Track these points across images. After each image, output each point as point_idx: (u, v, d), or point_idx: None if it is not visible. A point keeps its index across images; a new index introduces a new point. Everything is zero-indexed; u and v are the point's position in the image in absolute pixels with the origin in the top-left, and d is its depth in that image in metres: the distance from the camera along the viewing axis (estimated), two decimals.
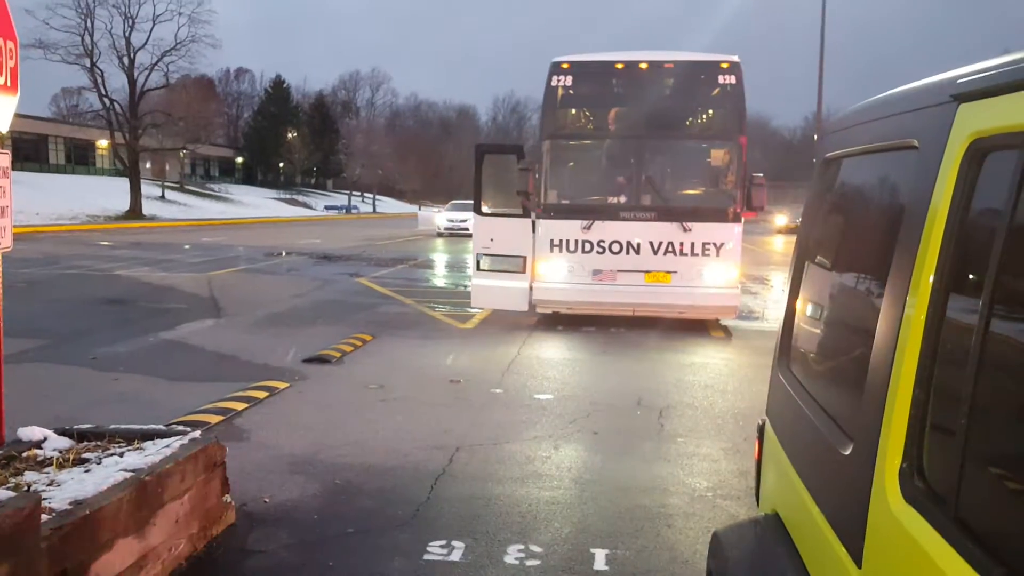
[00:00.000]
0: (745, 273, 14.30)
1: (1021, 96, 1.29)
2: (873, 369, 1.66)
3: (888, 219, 1.82)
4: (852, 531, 1.62)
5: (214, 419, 6.34)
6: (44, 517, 3.06)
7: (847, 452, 1.74)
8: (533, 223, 10.98)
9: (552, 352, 9.76)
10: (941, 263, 1.47)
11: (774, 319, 12.50)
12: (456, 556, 4.10)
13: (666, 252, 10.68)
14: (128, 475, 3.61)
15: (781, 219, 45.53)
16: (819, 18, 28.61)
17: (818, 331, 2.42)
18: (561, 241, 10.86)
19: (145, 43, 47.72)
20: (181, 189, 66.57)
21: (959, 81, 1.52)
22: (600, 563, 4.08)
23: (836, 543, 1.72)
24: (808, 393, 2.20)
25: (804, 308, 2.49)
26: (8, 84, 4.42)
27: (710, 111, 11.57)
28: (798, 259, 2.55)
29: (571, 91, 11.30)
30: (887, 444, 1.53)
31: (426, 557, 4.09)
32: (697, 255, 10.64)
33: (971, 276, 1.44)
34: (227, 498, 4.41)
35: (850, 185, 2.34)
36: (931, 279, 1.48)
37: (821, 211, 2.51)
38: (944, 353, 1.46)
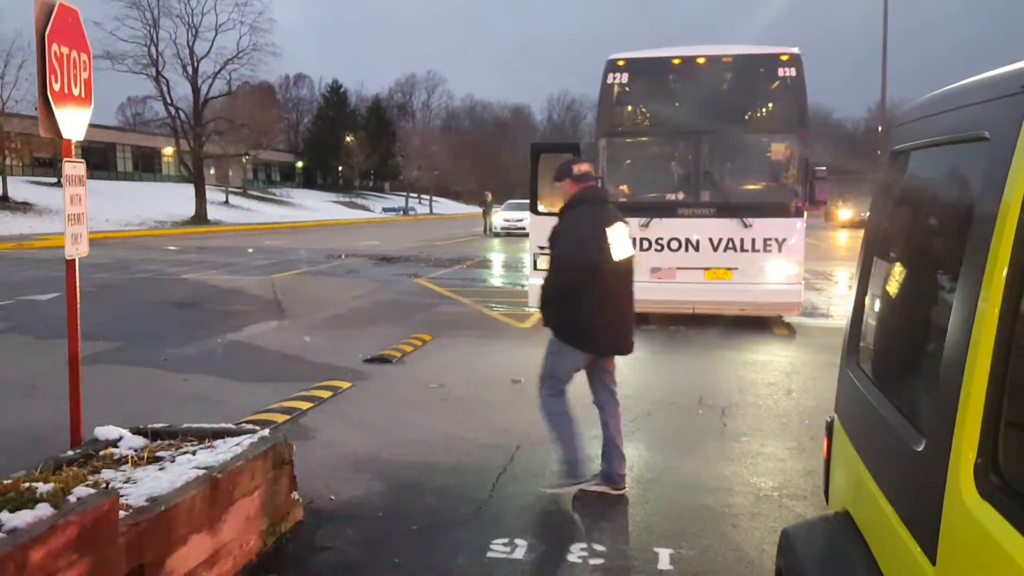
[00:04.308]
0: (808, 269, 14.04)
1: None
2: (946, 365, 1.64)
3: (960, 212, 1.79)
4: (926, 528, 1.60)
5: (280, 418, 6.49)
6: (122, 513, 3.16)
7: (920, 448, 1.71)
8: None
9: None
10: (1015, 256, 1.44)
11: (839, 316, 12.25)
12: (519, 554, 4.13)
13: (726, 249, 10.54)
14: (201, 473, 3.72)
15: (845, 213, 44.44)
16: (878, 4, 27.95)
17: (888, 327, 2.37)
18: None
19: (208, 52, 49.11)
20: (244, 194, 68.06)
21: None
22: (664, 562, 4.06)
23: (910, 540, 1.70)
24: (878, 390, 2.16)
25: (873, 304, 2.45)
26: (83, 95, 4.60)
27: (770, 105, 11.38)
28: (866, 254, 2.51)
29: (627, 88, 11.24)
30: (961, 440, 1.50)
31: (489, 555, 4.12)
32: (758, 251, 10.48)
33: None
34: (295, 495, 4.51)
35: (919, 178, 2.30)
36: (1004, 273, 1.45)
37: (890, 205, 2.47)
38: (1018, 347, 1.43)
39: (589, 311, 4.82)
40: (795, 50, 10.68)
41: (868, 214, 2.76)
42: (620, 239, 4.92)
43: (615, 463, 4.97)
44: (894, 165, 2.42)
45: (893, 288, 2.33)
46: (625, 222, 5.07)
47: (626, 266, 4.98)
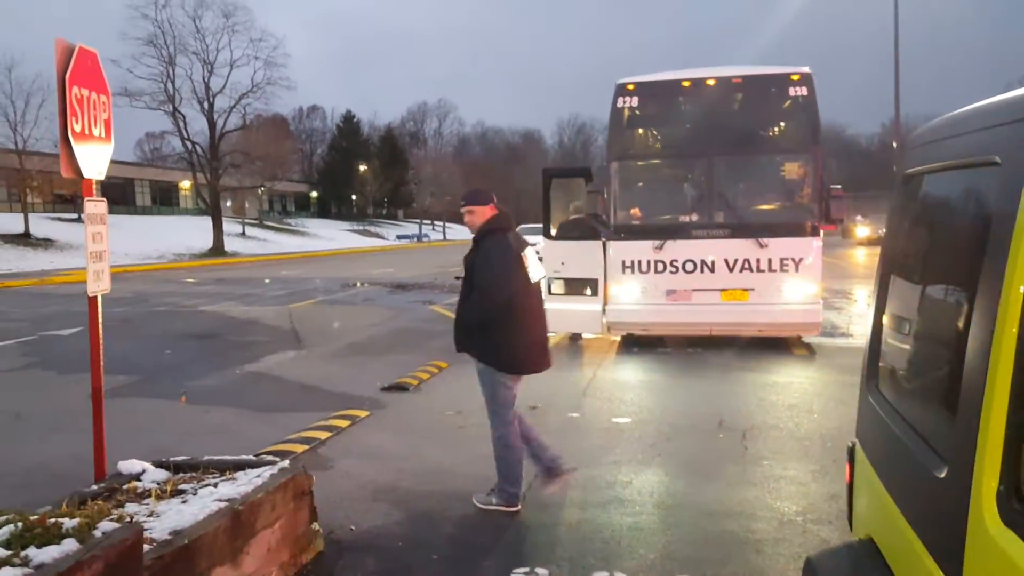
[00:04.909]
0: (827, 287, 13.97)
1: None
2: (966, 389, 1.63)
3: (973, 237, 1.79)
4: (950, 555, 1.59)
5: (299, 448, 6.50)
6: (146, 547, 3.18)
7: (942, 475, 1.70)
8: (604, 245, 10.96)
9: (628, 374, 9.70)
10: None
11: (860, 335, 12.17)
12: None
13: (742, 269, 10.52)
14: (223, 505, 3.74)
15: (863, 230, 44.18)
16: (888, 18, 27.95)
17: (906, 349, 2.37)
18: (633, 262, 10.81)
19: (223, 87, 49.84)
20: (260, 225, 68.66)
21: None
22: None
23: (934, 568, 1.68)
24: (899, 414, 2.16)
25: (891, 325, 2.45)
26: (103, 135, 4.69)
27: (782, 124, 11.39)
28: (883, 275, 2.51)
29: (637, 111, 11.30)
30: (983, 466, 1.50)
31: None
32: (775, 271, 10.45)
33: None
34: (315, 526, 4.52)
35: (933, 200, 2.30)
36: (1022, 299, 1.45)
37: (904, 228, 2.47)
38: None
39: (516, 334, 5.04)
40: (806, 69, 10.72)
41: (882, 232, 2.76)
42: (532, 262, 5.19)
43: (548, 453, 5.26)
44: (907, 188, 2.43)
45: (910, 312, 2.33)
46: (532, 246, 5.37)
47: (537, 288, 5.25)
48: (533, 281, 5.15)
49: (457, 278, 4.69)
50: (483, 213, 5.18)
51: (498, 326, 4.97)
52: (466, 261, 5.16)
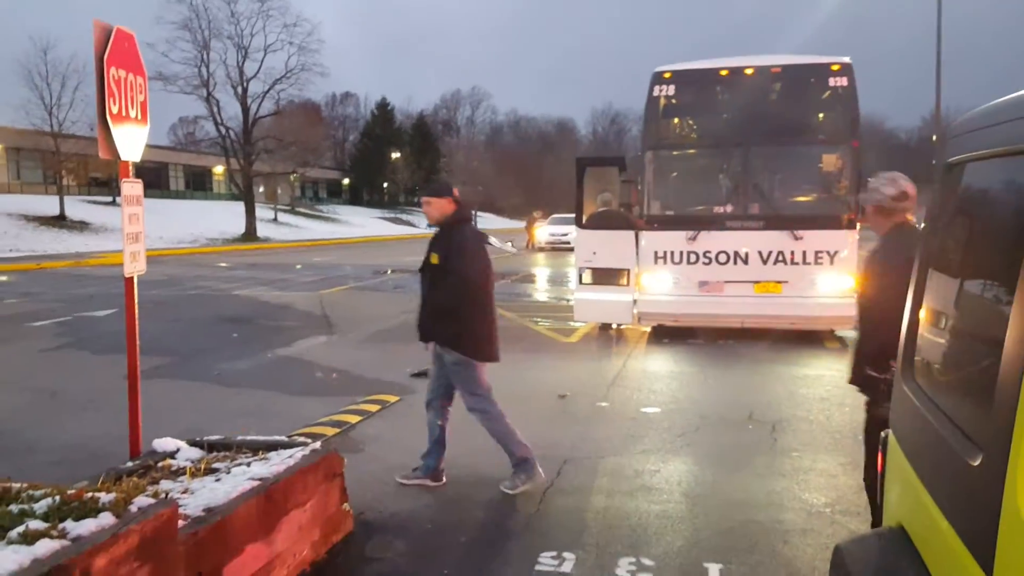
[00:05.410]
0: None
1: None
2: (1003, 377, 1.61)
3: (1016, 225, 1.76)
4: (982, 543, 1.58)
5: (330, 431, 6.58)
6: (180, 523, 3.24)
7: (976, 463, 1.69)
8: (636, 235, 10.91)
9: (658, 365, 9.67)
10: None
11: None
12: (567, 567, 4.12)
13: (776, 262, 10.42)
14: (256, 484, 3.79)
15: None
16: (931, 10, 27.43)
17: (944, 340, 2.34)
18: (666, 253, 10.75)
19: (257, 72, 50.10)
20: (292, 211, 69.14)
21: None
22: None
23: (965, 555, 1.67)
24: (934, 404, 2.13)
25: (928, 317, 2.42)
26: (139, 117, 4.75)
27: (820, 115, 11.24)
28: (921, 267, 2.47)
29: (674, 100, 11.21)
30: (1018, 454, 1.48)
31: (538, 567, 4.12)
32: (809, 264, 10.34)
33: None
34: (346, 507, 4.57)
35: (975, 190, 2.27)
36: None
37: (944, 217, 2.44)
38: None
39: (482, 322, 5.25)
40: (846, 59, 10.56)
41: (922, 226, 2.73)
42: (489, 254, 5.44)
43: (437, 459, 5.39)
44: (948, 177, 2.39)
45: (949, 301, 2.30)
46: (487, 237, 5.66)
47: (493, 279, 5.49)
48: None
49: (420, 270, 4.84)
50: (441, 206, 5.34)
51: (466, 314, 5.14)
52: (431, 251, 5.32)
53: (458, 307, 5.14)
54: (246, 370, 9.34)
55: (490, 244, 5.44)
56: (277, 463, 4.15)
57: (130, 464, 4.22)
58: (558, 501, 5.08)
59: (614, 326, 11.94)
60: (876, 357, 3.90)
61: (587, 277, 11.03)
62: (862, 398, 4.29)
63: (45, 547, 2.57)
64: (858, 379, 4.16)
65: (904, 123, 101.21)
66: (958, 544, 1.73)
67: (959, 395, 2.11)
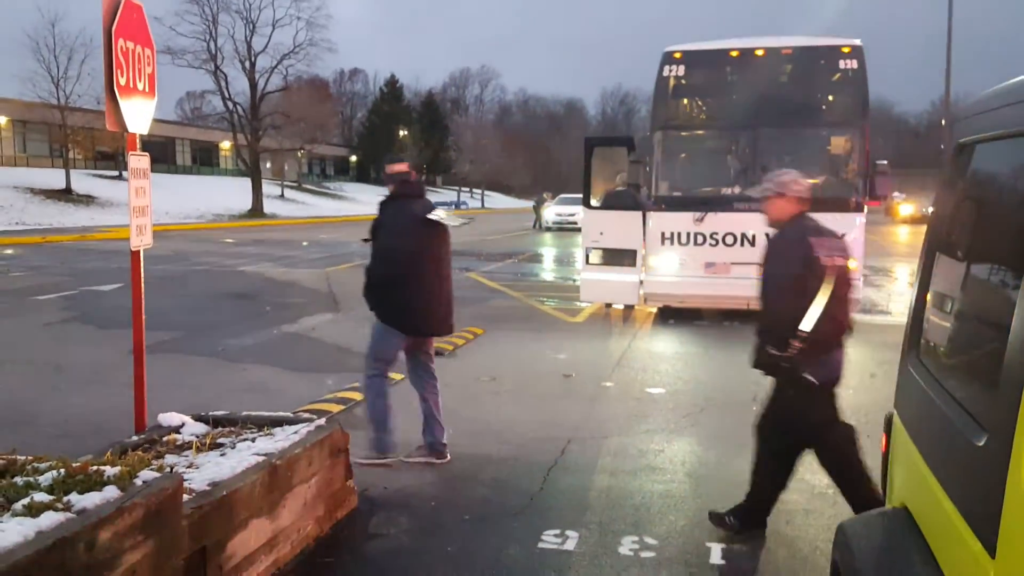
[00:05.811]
0: (867, 265, 13.74)
1: None
2: (1009, 359, 1.61)
3: None
4: (986, 523, 1.58)
5: (335, 408, 6.60)
6: (185, 497, 3.25)
7: (981, 443, 1.69)
8: (644, 216, 10.88)
9: (663, 346, 9.67)
10: None
11: (898, 312, 11.98)
12: (570, 545, 4.14)
13: None
14: (260, 459, 3.81)
15: (907, 208, 43.57)
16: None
17: (950, 322, 2.33)
18: (673, 234, 10.71)
19: (265, 47, 49.86)
20: (299, 188, 69.08)
21: None
22: (716, 557, 4.04)
23: (968, 534, 1.68)
24: (940, 385, 2.13)
25: (935, 299, 2.41)
26: (147, 89, 4.73)
27: (830, 97, 11.15)
28: (928, 249, 2.46)
29: (683, 80, 11.13)
30: (1023, 434, 1.48)
31: (541, 545, 4.14)
32: None
33: None
34: (350, 483, 4.59)
35: (985, 172, 2.25)
36: None
37: (953, 200, 2.42)
38: None
39: (409, 296, 5.27)
40: (857, 42, 10.45)
41: (930, 209, 2.71)
42: (437, 228, 5.38)
43: (436, 433, 5.43)
44: (958, 159, 2.37)
45: (956, 283, 2.29)
46: (441, 210, 5.55)
47: (445, 252, 5.46)
48: (435, 247, 5.36)
49: (364, 240, 4.98)
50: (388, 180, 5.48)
51: (395, 287, 5.23)
52: (372, 225, 5.40)
53: (379, 280, 5.30)
54: (252, 346, 9.37)
55: (434, 219, 5.37)
56: (282, 439, 4.17)
57: (135, 438, 4.24)
58: (562, 480, 5.10)
59: (620, 306, 11.93)
60: (777, 337, 4.01)
61: (594, 257, 11.00)
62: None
63: (50, 519, 2.58)
64: (762, 361, 4.24)
65: (914, 108, 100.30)
66: (961, 524, 1.74)
67: (965, 377, 2.10)
